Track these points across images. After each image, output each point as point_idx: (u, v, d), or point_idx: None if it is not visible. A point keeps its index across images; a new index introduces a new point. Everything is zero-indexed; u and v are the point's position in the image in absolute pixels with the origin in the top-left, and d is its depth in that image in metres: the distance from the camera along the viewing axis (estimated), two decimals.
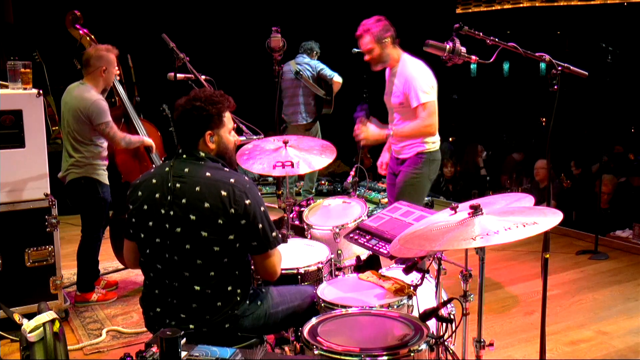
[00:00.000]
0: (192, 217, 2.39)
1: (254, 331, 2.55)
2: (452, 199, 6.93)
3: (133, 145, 4.36)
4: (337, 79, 6.76)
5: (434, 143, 4.05)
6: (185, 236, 2.41)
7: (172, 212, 2.42)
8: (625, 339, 3.76)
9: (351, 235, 3.10)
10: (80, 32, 4.67)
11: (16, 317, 2.88)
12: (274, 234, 2.49)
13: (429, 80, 3.91)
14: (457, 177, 7.68)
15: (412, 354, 2.14)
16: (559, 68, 2.77)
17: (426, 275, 2.77)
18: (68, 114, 4.18)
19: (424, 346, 2.18)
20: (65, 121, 4.22)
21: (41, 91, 3.94)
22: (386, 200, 6.82)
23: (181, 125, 2.53)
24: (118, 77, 4.52)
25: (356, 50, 5.89)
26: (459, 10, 7.25)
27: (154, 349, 2.00)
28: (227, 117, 2.59)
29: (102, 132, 4.14)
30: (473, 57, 3.12)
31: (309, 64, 6.86)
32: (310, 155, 3.62)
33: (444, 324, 2.41)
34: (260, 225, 2.44)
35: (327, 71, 6.79)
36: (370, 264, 3.52)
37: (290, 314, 2.66)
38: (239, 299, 2.49)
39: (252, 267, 2.63)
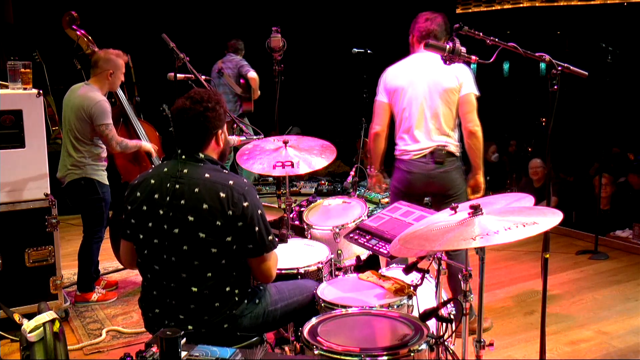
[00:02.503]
0: (191, 218, 2.39)
1: (253, 330, 2.55)
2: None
3: (129, 150, 4.35)
4: (252, 75, 6.72)
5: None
6: (183, 237, 2.40)
7: (170, 213, 2.42)
8: (625, 339, 3.76)
9: (351, 235, 3.10)
10: (78, 32, 4.67)
11: (16, 317, 2.89)
12: (270, 237, 2.49)
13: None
14: None
15: (412, 354, 2.14)
16: (559, 68, 2.77)
17: (426, 275, 2.77)
18: (70, 113, 4.18)
19: (424, 346, 2.18)
20: (66, 121, 4.22)
21: (41, 91, 3.94)
22: (386, 200, 6.84)
23: (193, 128, 2.48)
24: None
25: (356, 50, 5.90)
26: (459, 10, 7.25)
27: (154, 349, 2.00)
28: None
29: (100, 134, 4.14)
30: (473, 57, 3.12)
31: (231, 61, 6.87)
32: (310, 156, 3.62)
33: (444, 324, 2.41)
34: (257, 228, 2.43)
35: (245, 68, 6.76)
36: (370, 264, 3.52)
37: (289, 311, 2.67)
38: (237, 299, 2.49)
39: None
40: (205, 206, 2.38)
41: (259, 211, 2.45)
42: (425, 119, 3.59)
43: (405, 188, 3.64)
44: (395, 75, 3.71)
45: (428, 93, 3.59)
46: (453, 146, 3.62)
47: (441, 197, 3.58)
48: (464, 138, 3.65)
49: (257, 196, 2.49)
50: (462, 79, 3.56)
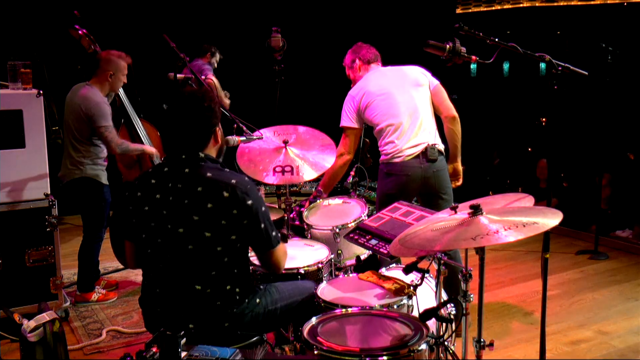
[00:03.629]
0: (195, 218, 2.39)
1: (253, 329, 2.55)
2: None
3: (130, 152, 4.35)
4: (210, 80, 6.46)
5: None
6: (188, 236, 2.41)
7: (174, 213, 2.42)
8: (625, 339, 3.76)
9: (351, 235, 3.10)
10: (79, 32, 4.67)
11: (16, 317, 2.89)
12: (274, 233, 2.51)
13: None
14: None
15: (412, 354, 2.14)
16: (559, 68, 2.77)
17: (426, 275, 2.77)
18: (70, 113, 4.18)
19: (424, 346, 2.18)
20: (66, 120, 4.22)
21: (41, 91, 3.94)
22: None
23: (191, 126, 2.49)
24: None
25: None
26: (459, 10, 7.24)
27: (154, 349, 2.00)
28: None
29: (100, 136, 4.14)
30: (473, 57, 3.12)
31: (194, 65, 6.70)
32: (310, 157, 3.63)
33: (444, 324, 2.41)
34: (262, 225, 2.44)
35: (204, 73, 6.53)
36: (370, 264, 3.52)
37: (289, 310, 2.67)
38: (238, 297, 2.49)
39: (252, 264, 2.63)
40: (209, 205, 2.38)
41: (263, 208, 2.46)
42: (413, 120, 3.65)
43: (399, 192, 3.60)
44: (364, 94, 3.74)
45: (408, 96, 3.69)
46: (440, 144, 3.72)
47: (435, 196, 3.65)
48: (444, 126, 3.75)
49: (260, 193, 2.50)
50: (426, 75, 3.75)
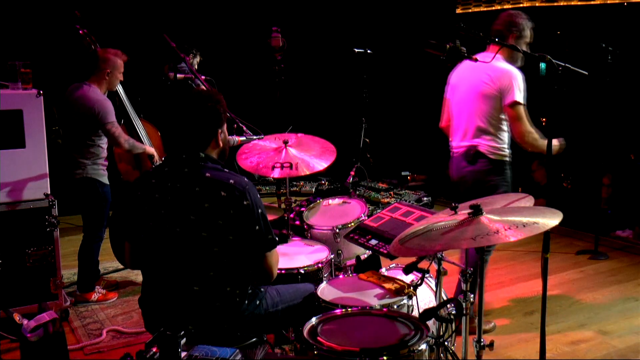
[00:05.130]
0: (192, 217, 2.39)
1: (253, 331, 2.55)
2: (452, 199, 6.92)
3: (136, 150, 4.35)
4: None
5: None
6: (185, 236, 2.41)
7: (172, 213, 2.42)
8: (625, 339, 3.76)
9: (351, 235, 3.10)
10: (80, 32, 4.67)
11: (16, 317, 2.88)
12: (270, 236, 2.49)
13: None
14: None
15: (412, 354, 2.14)
16: (559, 68, 2.78)
17: (426, 275, 2.77)
18: (70, 112, 4.18)
19: (424, 346, 2.18)
20: (66, 120, 4.22)
21: (41, 91, 3.94)
22: (386, 200, 6.84)
23: (192, 127, 2.50)
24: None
25: (358, 49, 5.89)
26: (459, 10, 7.24)
27: (154, 349, 2.00)
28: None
29: (107, 132, 4.14)
30: (473, 57, 3.12)
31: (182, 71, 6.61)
32: (310, 157, 3.63)
33: (444, 324, 2.41)
34: (257, 227, 2.44)
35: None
36: (370, 264, 3.52)
37: (289, 313, 2.67)
38: (237, 299, 2.49)
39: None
40: (206, 205, 2.38)
41: (260, 210, 2.45)
42: (463, 120, 3.72)
43: (452, 180, 3.87)
44: (454, 74, 3.84)
45: (467, 95, 3.70)
46: (485, 147, 3.64)
47: (472, 196, 3.60)
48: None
49: (258, 195, 2.49)
50: (501, 85, 3.55)
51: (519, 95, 3.54)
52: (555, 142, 3.51)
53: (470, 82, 3.68)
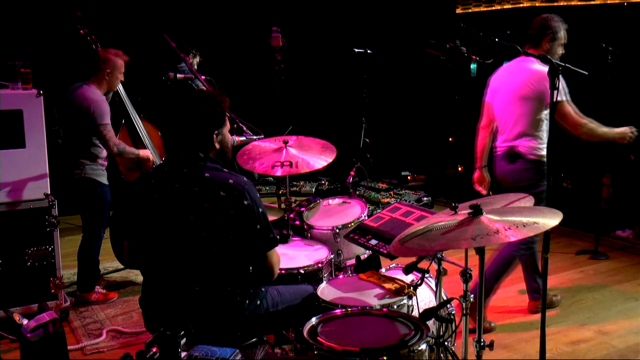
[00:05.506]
0: (192, 218, 2.39)
1: (253, 330, 2.55)
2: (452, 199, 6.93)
3: (126, 155, 4.33)
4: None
5: None
6: (185, 236, 2.41)
7: (171, 213, 2.42)
8: (625, 339, 3.76)
9: (351, 235, 3.11)
10: (81, 32, 4.67)
11: (16, 317, 2.89)
12: (271, 235, 2.49)
13: None
14: (457, 177, 7.69)
15: (412, 354, 2.14)
16: (559, 68, 2.78)
17: (426, 275, 2.77)
18: (70, 112, 4.18)
19: (424, 346, 2.18)
20: (66, 120, 4.22)
21: (41, 91, 3.94)
22: (386, 200, 6.84)
23: (187, 127, 2.50)
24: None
25: (358, 49, 5.90)
26: (459, 10, 7.24)
27: (154, 349, 2.00)
28: (227, 116, 2.60)
29: (99, 134, 4.13)
30: (473, 57, 3.12)
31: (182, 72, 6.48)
32: (310, 156, 3.62)
33: (444, 324, 2.41)
34: (258, 226, 2.44)
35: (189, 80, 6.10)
36: (370, 264, 3.52)
37: (289, 313, 2.67)
38: (238, 299, 2.49)
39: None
40: (206, 205, 2.38)
41: (260, 209, 2.45)
42: (504, 121, 3.86)
43: (494, 178, 4.03)
44: (493, 78, 3.97)
45: (507, 97, 3.84)
46: (524, 148, 3.77)
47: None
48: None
49: (258, 194, 2.49)
50: (538, 88, 3.66)
51: (558, 95, 3.61)
52: (622, 129, 3.78)
53: (509, 85, 3.84)
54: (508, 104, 3.83)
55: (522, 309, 4.20)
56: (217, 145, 2.54)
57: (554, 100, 2.72)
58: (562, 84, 3.63)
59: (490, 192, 4.20)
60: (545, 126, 3.77)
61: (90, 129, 4.14)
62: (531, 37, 3.78)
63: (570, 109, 3.70)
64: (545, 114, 3.73)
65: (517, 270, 4.93)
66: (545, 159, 3.76)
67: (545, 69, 3.57)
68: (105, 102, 4.18)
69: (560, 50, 3.81)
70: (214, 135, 2.51)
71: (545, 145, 3.77)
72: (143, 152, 4.44)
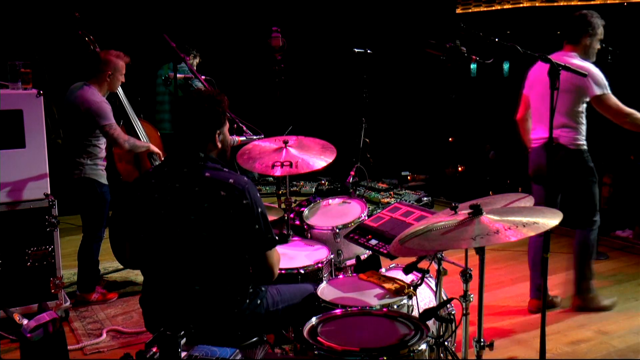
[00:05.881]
0: (192, 217, 2.39)
1: (254, 330, 2.55)
2: (452, 199, 6.94)
3: (138, 149, 4.35)
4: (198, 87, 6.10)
5: None
6: (185, 236, 2.41)
7: (171, 212, 2.43)
8: (625, 339, 3.76)
9: (351, 235, 3.11)
10: (80, 32, 4.67)
11: (16, 317, 2.89)
12: (270, 235, 2.49)
13: None
14: (457, 177, 7.69)
15: (412, 354, 2.14)
16: (559, 68, 2.78)
17: (426, 275, 2.77)
18: (70, 113, 4.18)
19: (424, 346, 2.18)
20: (65, 121, 4.22)
21: (41, 91, 3.94)
22: (386, 200, 6.84)
23: (189, 127, 2.51)
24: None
25: (357, 49, 5.89)
26: (459, 10, 7.24)
27: (154, 349, 2.00)
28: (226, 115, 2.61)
29: (106, 134, 4.14)
30: (473, 57, 3.12)
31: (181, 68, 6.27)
32: (310, 156, 3.62)
33: (444, 324, 2.41)
34: (257, 226, 2.44)
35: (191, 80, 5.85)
36: (370, 264, 3.52)
37: (289, 313, 2.67)
38: (238, 298, 2.49)
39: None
40: (206, 205, 2.38)
41: (259, 209, 2.45)
42: (543, 114, 3.92)
43: (531, 172, 4.14)
44: (532, 71, 4.11)
45: (546, 91, 3.96)
46: (565, 139, 3.91)
47: (548, 186, 3.98)
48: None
49: (258, 194, 2.49)
50: (577, 83, 3.75)
51: (598, 89, 3.80)
52: None
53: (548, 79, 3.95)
54: (547, 97, 3.94)
55: (522, 309, 4.20)
56: (220, 145, 2.55)
57: (554, 100, 2.72)
58: (597, 79, 3.80)
59: (490, 192, 4.20)
60: (584, 118, 3.91)
61: (93, 130, 4.14)
62: (570, 34, 3.93)
63: (614, 100, 3.83)
64: (584, 106, 3.89)
65: (517, 270, 4.94)
66: (585, 148, 3.95)
67: (584, 64, 3.84)
68: (105, 102, 4.18)
69: (597, 46, 3.96)
70: (217, 135, 2.52)
71: (584, 136, 3.94)
72: (152, 146, 4.44)
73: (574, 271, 4.15)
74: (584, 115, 3.91)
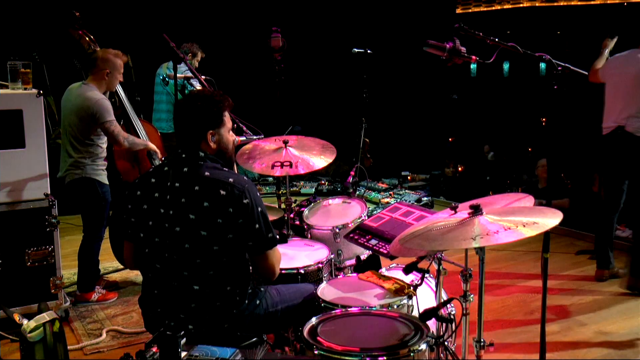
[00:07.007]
0: (192, 217, 2.39)
1: (253, 330, 2.55)
2: (452, 199, 6.94)
3: (137, 146, 4.35)
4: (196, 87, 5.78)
5: None
6: (185, 235, 2.41)
7: (171, 212, 2.42)
8: (625, 339, 3.76)
9: (351, 235, 3.11)
10: (79, 32, 4.67)
11: (16, 317, 2.89)
12: (270, 234, 2.49)
13: None
14: (457, 177, 7.69)
15: (412, 354, 2.14)
16: (559, 68, 2.78)
17: (426, 275, 2.77)
18: (69, 113, 4.18)
19: (424, 346, 2.18)
20: (65, 121, 4.22)
21: (41, 91, 3.94)
22: (386, 200, 6.84)
23: (183, 126, 2.52)
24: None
25: (356, 50, 5.89)
26: (459, 10, 7.25)
27: (154, 349, 2.00)
28: (227, 116, 2.59)
29: (106, 131, 4.14)
30: (473, 57, 3.12)
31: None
32: (310, 156, 3.62)
33: (444, 324, 2.41)
34: (257, 226, 2.43)
35: (190, 79, 5.70)
36: (370, 264, 3.52)
37: (289, 313, 2.67)
38: (238, 298, 2.49)
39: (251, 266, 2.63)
40: (205, 204, 2.38)
41: (259, 208, 2.45)
42: (615, 103, 4.38)
43: (602, 159, 4.59)
44: (608, 62, 4.58)
45: (620, 81, 4.38)
46: (632, 127, 4.32)
47: (616, 171, 4.45)
48: None
49: (258, 193, 2.49)
50: None
51: None
52: None
53: (622, 72, 4.37)
54: (620, 87, 4.34)
55: (522, 309, 4.20)
56: (213, 145, 2.53)
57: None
58: None
59: (490, 192, 4.21)
60: None
61: (93, 128, 4.14)
62: None
63: None
64: None
65: (516, 270, 4.95)
66: None
67: None
68: (105, 99, 4.18)
69: None
70: (209, 135, 2.51)
71: None
72: (150, 144, 4.44)
73: (632, 253, 4.51)
74: None
